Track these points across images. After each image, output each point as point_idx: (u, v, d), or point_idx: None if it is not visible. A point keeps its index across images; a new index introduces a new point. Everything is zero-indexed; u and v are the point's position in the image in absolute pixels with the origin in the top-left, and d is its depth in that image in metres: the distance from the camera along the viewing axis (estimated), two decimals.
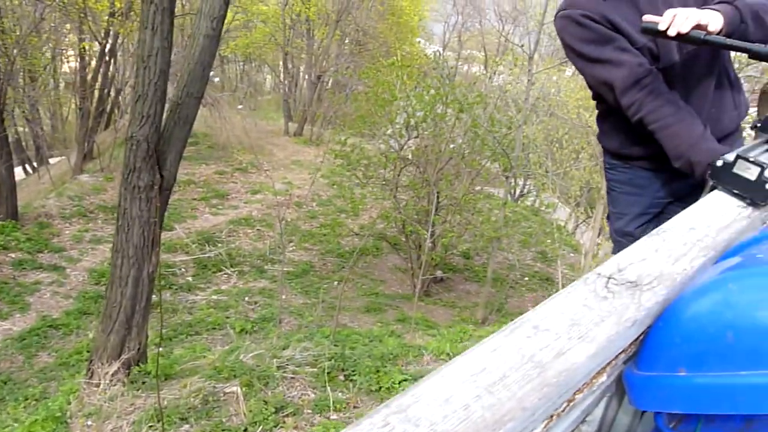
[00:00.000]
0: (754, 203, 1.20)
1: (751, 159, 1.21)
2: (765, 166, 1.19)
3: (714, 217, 1.10)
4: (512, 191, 11.42)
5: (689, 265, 0.88)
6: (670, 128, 1.74)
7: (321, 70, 21.47)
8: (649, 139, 1.84)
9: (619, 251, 2.30)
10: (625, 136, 1.99)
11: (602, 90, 1.88)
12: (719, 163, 1.25)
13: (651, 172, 2.01)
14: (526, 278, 13.28)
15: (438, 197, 9.14)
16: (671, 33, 1.51)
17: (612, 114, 2.01)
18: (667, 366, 0.73)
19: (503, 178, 11.56)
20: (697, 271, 0.87)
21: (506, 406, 0.55)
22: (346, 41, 23.80)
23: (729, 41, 1.50)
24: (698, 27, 1.52)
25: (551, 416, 0.60)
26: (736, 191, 1.23)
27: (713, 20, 1.54)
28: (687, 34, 1.51)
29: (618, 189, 2.16)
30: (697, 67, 1.84)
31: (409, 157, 9.86)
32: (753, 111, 2.04)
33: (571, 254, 15.34)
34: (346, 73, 21.34)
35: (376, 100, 9.79)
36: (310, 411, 4.59)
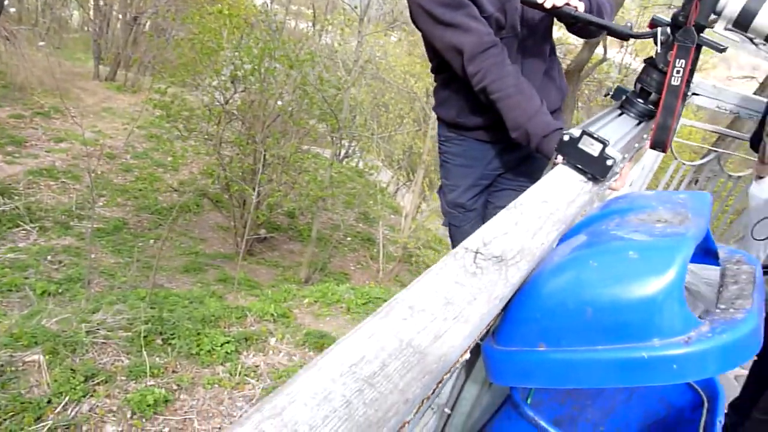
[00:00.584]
0: (594, 178, 1.28)
1: (595, 136, 1.28)
2: (607, 143, 1.26)
3: (561, 191, 1.15)
4: (338, 152, 11.49)
5: (546, 239, 0.90)
6: (511, 99, 1.80)
7: (138, 11, 19.73)
8: (486, 110, 1.90)
9: (451, 223, 2.38)
10: (464, 105, 2.03)
11: (449, 55, 1.89)
12: (566, 137, 1.31)
13: (485, 144, 2.08)
14: (349, 238, 13.55)
15: (265, 155, 8.92)
16: (547, 5, 1.68)
17: (453, 83, 2.04)
18: (527, 341, 0.74)
19: (329, 139, 11.58)
20: (551, 245, 0.90)
21: (389, 400, 0.51)
22: None
23: (596, 19, 1.69)
24: (567, 4, 1.70)
25: (422, 401, 0.57)
26: (579, 166, 1.30)
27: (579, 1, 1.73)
28: (560, 8, 1.69)
29: (452, 161, 2.21)
30: (535, 42, 1.93)
31: (235, 112, 9.46)
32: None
33: (392, 216, 15.91)
34: (167, 17, 19.83)
35: (201, 48, 9.22)
36: (124, 378, 4.30)
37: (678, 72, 1.48)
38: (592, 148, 1.27)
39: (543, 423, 0.86)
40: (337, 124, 9.55)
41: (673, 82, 1.50)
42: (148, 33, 20.46)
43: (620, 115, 1.73)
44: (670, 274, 0.70)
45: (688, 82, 1.52)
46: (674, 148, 3.29)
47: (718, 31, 1.69)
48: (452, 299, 0.69)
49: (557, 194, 1.11)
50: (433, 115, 9.98)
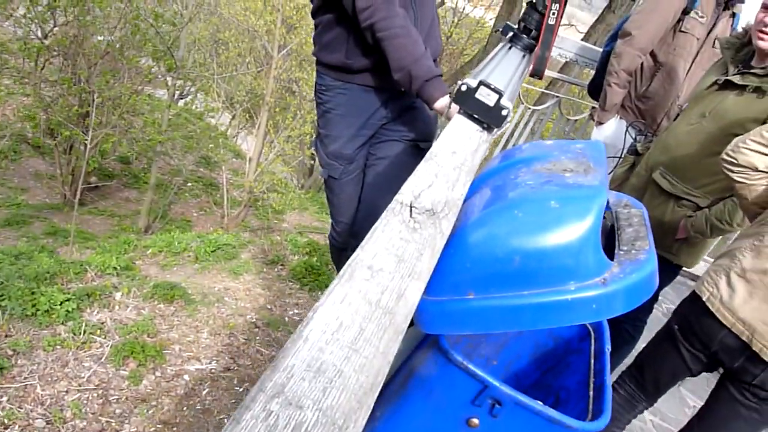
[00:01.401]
0: (489, 128, 1.35)
1: (492, 86, 1.33)
2: (502, 93, 1.33)
3: (465, 142, 1.20)
4: (174, 93, 10.83)
5: (463, 190, 0.94)
6: (398, 39, 1.81)
7: None
8: (374, 51, 1.90)
9: (330, 175, 2.37)
10: (353, 47, 2.00)
11: None
12: (464, 87, 1.35)
13: (370, 91, 2.07)
14: (189, 184, 13.00)
15: (94, 96, 8.18)
16: None
17: (342, 23, 2.00)
18: (456, 290, 0.79)
19: (164, 79, 10.87)
20: (465, 196, 0.95)
21: (375, 364, 0.53)
22: None
23: None
24: None
25: None
26: (476, 116, 1.36)
27: None
28: None
29: (333, 111, 2.18)
30: None
31: (56, 48, 8.53)
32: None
33: (234, 159, 15.43)
34: None
35: None
36: None
37: (553, 14, 1.92)
38: (488, 99, 1.33)
39: (471, 366, 0.92)
40: (174, 63, 8.96)
41: (549, 22, 1.95)
42: None
43: (510, 48, 2.11)
44: (588, 221, 0.78)
45: (559, 23, 1.94)
46: (521, 93, 3.52)
47: None
48: (403, 256, 0.72)
49: (463, 145, 1.16)
50: (276, 55, 9.65)
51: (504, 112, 1.35)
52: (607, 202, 0.99)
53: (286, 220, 13.25)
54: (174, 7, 10.02)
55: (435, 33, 2.13)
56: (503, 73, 1.61)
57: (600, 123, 3.17)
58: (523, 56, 2.05)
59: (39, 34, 8.52)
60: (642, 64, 2.92)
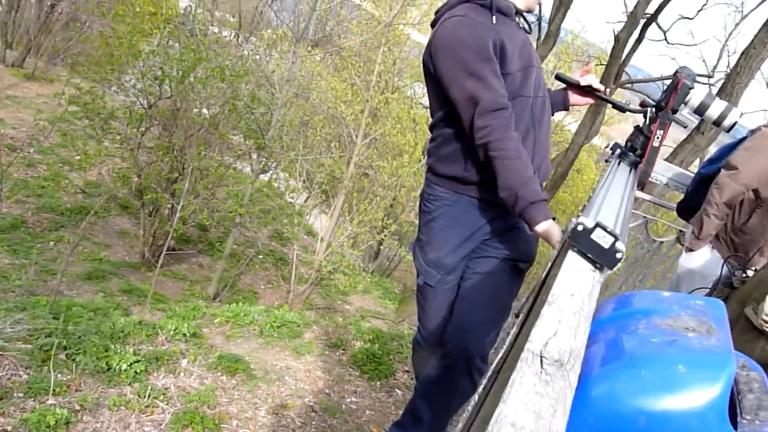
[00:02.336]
0: (602, 268, 1.37)
1: (608, 229, 1.37)
2: (617, 237, 1.36)
3: (581, 283, 1.20)
4: (258, 169, 11.32)
5: (584, 338, 0.94)
6: (509, 160, 1.90)
7: None
8: (487, 167, 1.96)
9: (426, 282, 2.38)
10: (468, 161, 2.07)
11: (463, 104, 1.94)
12: (579, 228, 1.39)
13: (478, 206, 2.11)
14: (261, 256, 13.30)
15: (184, 165, 8.65)
16: (583, 83, 2.35)
17: (458, 139, 2.07)
18: None
19: (251, 155, 11.39)
20: (586, 345, 0.94)
21: None
22: None
23: (614, 100, 2.49)
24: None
25: None
26: (590, 256, 1.39)
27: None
28: (594, 89, 2.38)
29: (439, 221, 2.22)
30: (543, 111, 2.04)
31: (158, 118, 9.14)
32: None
33: (306, 237, 15.77)
34: (87, 8, 18.96)
35: (129, 46, 8.89)
36: (21, 395, 4.01)
37: (658, 138, 2.26)
38: (604, 241, 1.36)
39: None
40: (264, 142, 9.42)
41: (654, 144, 2.28)
42: (64, 22, 19.45)
43: (619, 164, 2.43)
44: (717, 389, 0.76)
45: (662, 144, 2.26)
46: None
47: (682, 114, 2.40)
48: (540, 412, 0.72)
49: (580, 286, 1.16)
50: (359, 142, 9.99)
51: (618, 255, 1.37)
52: None
53: (349, 302, 13.28)
54: (270, 90, 10.64)
55: (548, 156, 2.20)
56: (614, 203, 1.64)
57: (690, 250, 3.11)
58: (630, 170, 2.39)
59: (144, 103, 9.17)
60: (743, 198, 2.88)
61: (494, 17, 1.95)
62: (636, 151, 2.41)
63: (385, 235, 13.59)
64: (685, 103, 2.35)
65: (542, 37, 12.18)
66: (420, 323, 2.48)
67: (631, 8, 10.91)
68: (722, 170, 2.84)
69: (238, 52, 18.61)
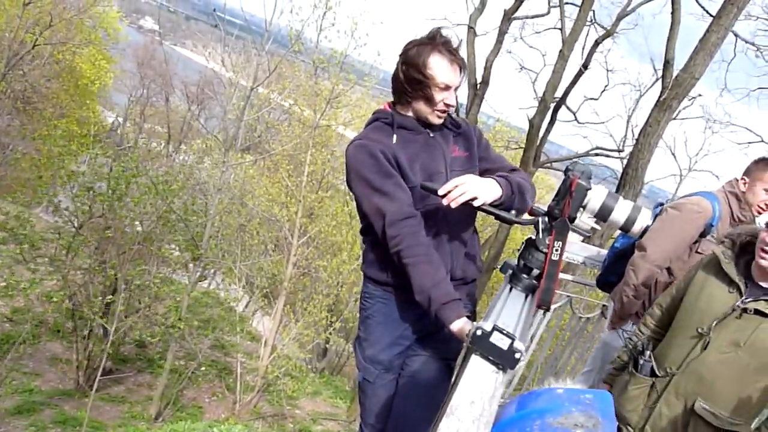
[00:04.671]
0: (503, 369, 1.48)
1: (505, 331, 1.50)
2: (514, 337, 1.49)
3: (482, 388, 1.31)
4: (195, 278, 11.17)
5: None
6: (420, 266, 2.01)
7: None
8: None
9: (365, 377, 2.45)
10: (393, 266, 2.18)
11: (374, 217, 2.08)
12: (479, 332, 1.51)
13: (408, 305, 2.20)
14: (203, 368, 12.85)
15: (121, 283, 8.47)
16: (444, 203, 1.91)
17: (378, 247, 2.20)
18: None
19: (187, 265, 11.24)
20: None
21: None
22: (11, 96, 20.98)
23: (492, 209, 2.00)
24: (473, 198, 1.93)
25: None
26: (491, 358, 1.50)
27: (491, 191, 2.00)
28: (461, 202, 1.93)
29: (374, 318, 2.32)
30: (458, 214, 2.15)
31: (89, 237, 9.00)
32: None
33: (248, 342, 15.38)
34: (8, 132, 18.78)
35: (59, 166, 8.86)
36: None
37: (557, 250, 1.91)
38: (502, 342, 1.48)
39: None
40: (198, 251, 9.37)
41: (553, 257, 1.92)
42: None
43: (510, 290, 2.04)
44: None
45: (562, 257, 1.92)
46: None
47: (582, 220, 2.11)
48: None
49: (480, 392, 1.26)
50: (295, 242, 10.03)
51: (517, 355, 1.48)
52: None
53: (299, 406, 12.90)
54: (198, 199, 10.69)
55: (474, 253, 2.30)
56: (509, 310, 1.76)
57: (614, 328, 3.27)
58: (526, 297, 2.01)
59: (75, 223, 9.04)
60: (657, 277, 3.06)
61: (395, 136, 2.13)
62: (531, 272, 2.02)
63: (330, 333, 13.45)
64: (584, 207, 2.07)
65: None
66: (362, 419, 2.50)
67: (540, 94, 11.73)
68: (635, 251, 3.03)
69: (169, 163, 18.70)
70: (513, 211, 2.07)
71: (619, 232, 2.47)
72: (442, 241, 2.19)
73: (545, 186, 21.50)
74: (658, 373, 2.31)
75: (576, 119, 15.09)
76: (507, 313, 1.76)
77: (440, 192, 1.91)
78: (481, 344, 1.51)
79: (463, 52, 2.22)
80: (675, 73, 7.55)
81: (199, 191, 11.09)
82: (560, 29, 11.57)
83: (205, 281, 13.12)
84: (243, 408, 11.70)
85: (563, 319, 4.26)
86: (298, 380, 12.14)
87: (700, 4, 9.58)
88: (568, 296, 4.05)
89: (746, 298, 2.15)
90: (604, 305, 3.76)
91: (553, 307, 4.00)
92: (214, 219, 9.61)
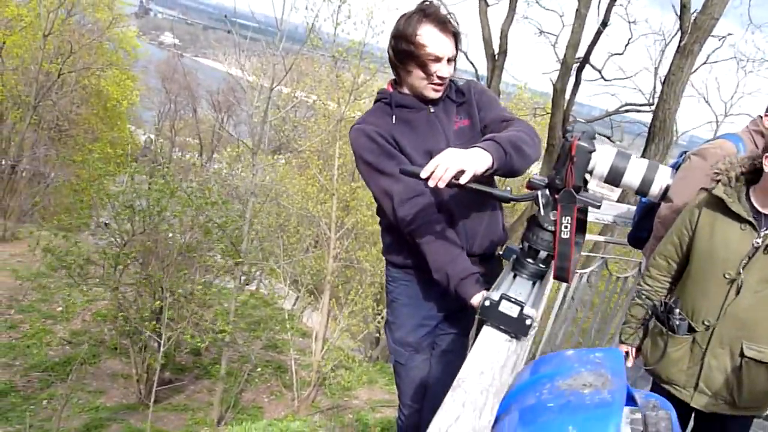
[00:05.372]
0: (516, 337, 1.46)
1: (513, 299, 1.46)
2: (523, 304, 1.45)
3: (493, 357, 1.29)
4: (240, 281, 11.35)
5: (491, 415, 1.00)
6: (433, 244, 1.99)
7: (15, 159, 19.12)
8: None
9: (396, 360, 2.44)
10: (405, 248, 2.16)
11: (383, 200, 2.06)
12: (487, 303, 1.48)
13: (430, 285, 2.17)
14: (259, 369, 13.08)
15: (167, 294, 8.66)
16: (430, 184, 1.61)
17: (392, 230, 2.18)
18: None
19: (230, 270, 11.43)
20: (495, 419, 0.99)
21: None
22: (44, 126, 21.59)
23: (478, 186, 1.68)
24: (459, 173, 1.62)
25: None
26: (502, 327, 1.47)
27: (478, 161, 1.68)
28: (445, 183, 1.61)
29: (399, 301, 2.32)
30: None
31: (134, 255, 9.22)
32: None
33: (300, 339, 15.58)
34: (47, 161, 19.40)
35: (98, 188, 9.10)
36: None
37: (566, 227, 1.60)
38: (512, 311, 1.45)
39: None
40: (239, 256, 9.51)
41: (563, 236, 1.61)
42: (26, 180, 19.72)
43: (515, 277, 1.79)
44: None
45: (577, 230, 1.61)
46: None
47: (591, 188, 1.82)
48: None
49: (490, 361, 1.24)
50: (333, 236, 10.10)
51: (528, 322, 1.45)
52: (636, 402, 1.03)
53: (356, 395, 13.02)
54: (238, 206, 10.86)
55: (494, 226, 2.24)
56: (516, 294, 1.60)
57: None
58: (533, 284, 1.76)
59: (119, 242, 9.26)
60: None
61: (394, 116, 2.08)
62: (538, 255, 1.73)
63: (378, 322, 13.52)
64: (590, 173, 1.73)
65: None
66: (400, 400, 2.51)
67: (561, 56, 11.45)
68: (661, 203, 2.93)
69: (202, 173, 19.01)
70: (509, 189, 1.81)
71: None
72: (455, 219, 2.14)
73: None
74: (696, 328, 2.24)
75: (602, 77, 14.63)
76: (519, 281, 1.72)
77: (422, 175, 1.62)
78: (491, 314, 1.49)
79: (469, 30, 2.13)
80: (693, 17, 7.28)
81: (234, 197, 11.25)
82: None
83: (251, 284, 13.29)
84: (302, 404, 11.88)
85: (600, 284, 4.17)
86: (352, 371, 12.24)
87: None
88: (602, 258, 3.97)
89: (766, 231, 2.11)
90: (639, 263, 3.66)
91: (588, 269, 3.93)
92: (251, 222, 9.71)
